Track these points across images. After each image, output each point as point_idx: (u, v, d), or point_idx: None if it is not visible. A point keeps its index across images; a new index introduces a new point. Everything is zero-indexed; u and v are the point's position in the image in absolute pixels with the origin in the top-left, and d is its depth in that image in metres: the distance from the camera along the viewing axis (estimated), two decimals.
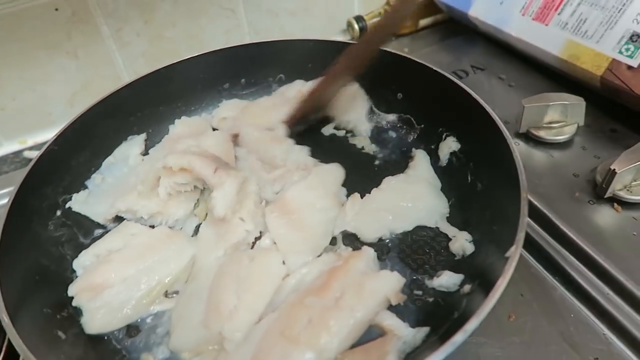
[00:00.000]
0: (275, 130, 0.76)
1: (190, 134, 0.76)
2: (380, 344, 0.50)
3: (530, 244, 0.63)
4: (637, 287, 0.54)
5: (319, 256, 0.60)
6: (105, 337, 0.55)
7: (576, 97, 0.75)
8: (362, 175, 0.72)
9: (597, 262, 0.58)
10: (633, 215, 0.63)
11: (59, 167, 0.67)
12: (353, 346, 0.50)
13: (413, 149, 0.75)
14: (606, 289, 0.57)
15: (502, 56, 0.96)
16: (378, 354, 0.48)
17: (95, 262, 0.61)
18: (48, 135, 0.91)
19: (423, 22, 1.14)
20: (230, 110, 0.82)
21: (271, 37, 0.88)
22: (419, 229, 0.64)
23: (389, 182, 0.68)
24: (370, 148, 0.78)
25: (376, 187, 0.68)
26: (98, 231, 0.67)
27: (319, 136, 0.81)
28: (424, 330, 0.51)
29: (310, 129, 0.80)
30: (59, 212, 0.66)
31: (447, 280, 0.57)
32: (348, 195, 0.68)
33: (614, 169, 0.62)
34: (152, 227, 0.66)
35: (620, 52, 0.73)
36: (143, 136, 0.79)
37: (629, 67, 0.71)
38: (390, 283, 0.54)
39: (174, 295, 0.59)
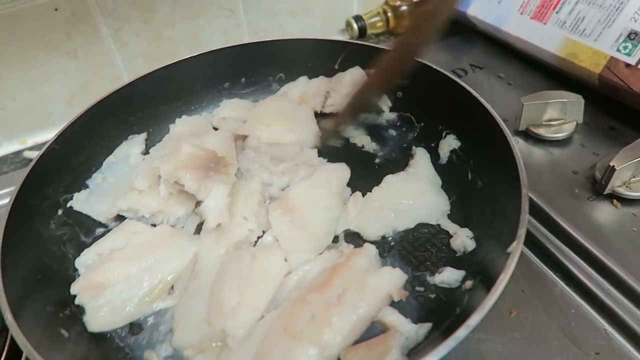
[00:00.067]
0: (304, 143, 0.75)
1: (190, 133, 0.76)
2: (383, 340, 0.50)
3: (531, 241, 0.63)
4: (637, 282, 0.55)
5: (320, 254, 0.60)
6: (108, 335, 0.56)
7: (575, 94, 0.75)
8: (363, 174, 0.72)
9: (597, 258, 0.58)
10: (632, 211, 0.63)
11: (60, 167, 0.67)
12: (356, 342, 0.50)
13: (413, 147, 0.75)
14: (606, 285, 0.57)
15: (501, 55, 0.96)
16: (381, 349, 0.48)
17: (98, 260, 0.61)
18: (48, 135, 0.91)
19: None
20: (230, 109, 0.83)
21: (270, 36, 0.88)
22: (420, 226, 0.64)
23: (389, 181, 0.68)
24: (371, 146, 0.78)
25: (377, 185, 0.68)
26: (99, 230, 0.67)
27: None
28: (427, 326, 0.52)
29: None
30: (60, 212, 0.66)
31: (448, 276, 0.57)
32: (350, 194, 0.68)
33: (613, 166, 0.62)
34: (154, 225, 0.66)
35: (618, 50, 0.73)
36: (143, 135, 0.79)
37: (627, 65, 0.72)
38: (392, 279, 0.54)
39: (177, 293, 0.59)
